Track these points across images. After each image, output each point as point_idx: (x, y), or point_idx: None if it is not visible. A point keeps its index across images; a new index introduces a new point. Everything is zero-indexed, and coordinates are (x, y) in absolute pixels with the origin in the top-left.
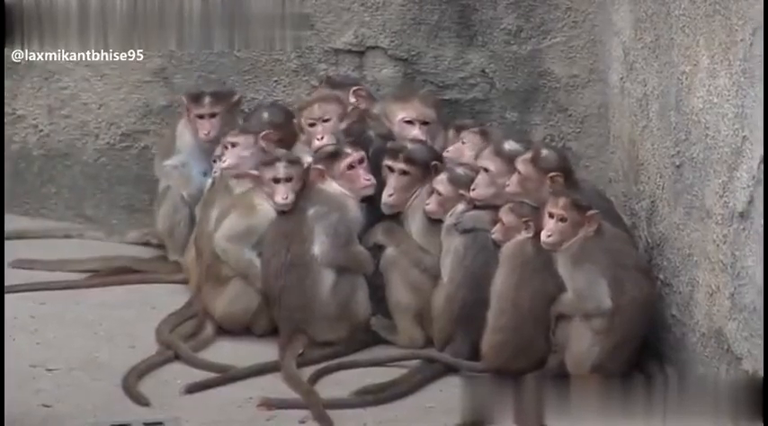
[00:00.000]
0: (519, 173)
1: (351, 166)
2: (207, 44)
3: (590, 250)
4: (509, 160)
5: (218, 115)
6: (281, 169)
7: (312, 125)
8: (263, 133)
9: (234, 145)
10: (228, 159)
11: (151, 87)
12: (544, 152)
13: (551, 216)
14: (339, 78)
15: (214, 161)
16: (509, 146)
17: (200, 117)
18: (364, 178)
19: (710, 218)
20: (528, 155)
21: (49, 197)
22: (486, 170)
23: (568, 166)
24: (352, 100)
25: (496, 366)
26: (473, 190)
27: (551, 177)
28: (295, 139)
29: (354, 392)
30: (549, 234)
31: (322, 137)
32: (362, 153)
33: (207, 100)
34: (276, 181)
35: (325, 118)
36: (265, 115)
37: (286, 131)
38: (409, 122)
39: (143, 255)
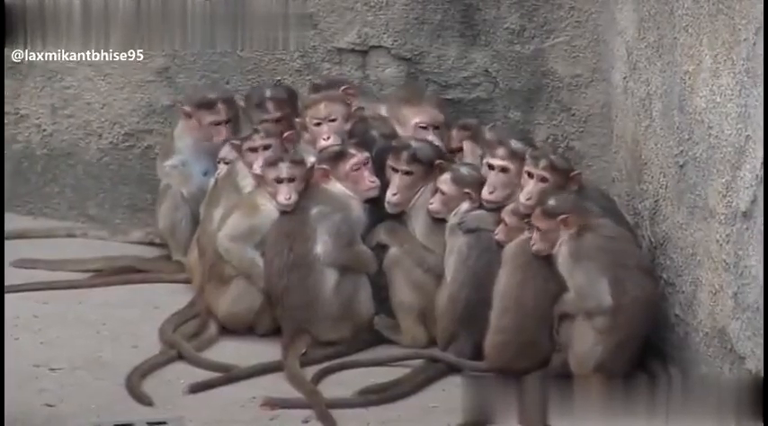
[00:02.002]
0: (545, 180)
1: (356, 167)
2: (210, 44)
3: (588, 248)
4: (522, 160)
5: (232, 119)
6: (284, 169)
7: (318, 124)
8: (286, 134)
9: (266, 147)
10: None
11: (154, 87)
12: (552, 156)
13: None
14: (325, 82)
15: (219, 162)
16: (516, 144)
17: (217, 124)
18: (369, 180)
19: (713, 218)
20: (543, 162)
21: (51, 196)
22: (503, 170)
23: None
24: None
25: (499, 365)
26: (491, 192)
27: (572, 177)
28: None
29: (357, 391)
30: (533, 243)
31: (328, 137)
32: (367, 154)
33: (221, 107)
34: (279, 181)
35: (331, 118)
36: (267, 93)
37: (291, 109)
38: (423, 127)
39: (146, 255)
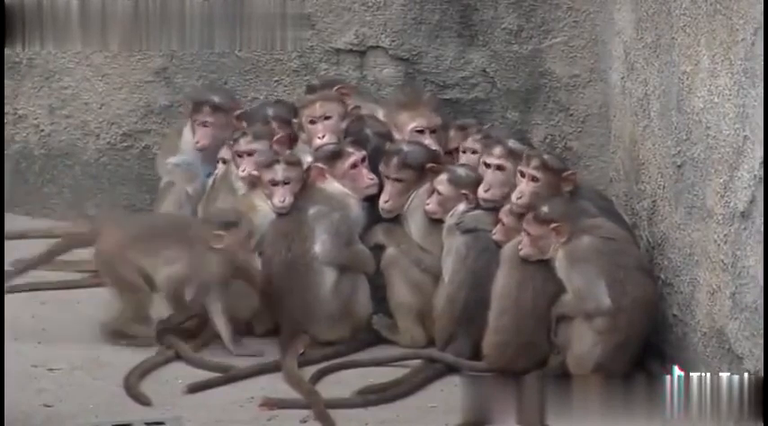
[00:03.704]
0: (535, 179)
1: (354, 166)
2: (208, 44)
3: (585, 250)
4: (518, 158)
5: (212, 125)
6: (279, 172)
7: (313, 123)
8: (277, 137)
9: (250, 153)
10: (247, 167)
11: (152, 87)
12: (546, 155)
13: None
14: (321, 82)
15: (217, 162)
16: (514, 144)
17: (197, 124)
18: (368, 177)
19: (712, 218)
20: (535, 161)
21: (50, 196)
22: (499, 168)
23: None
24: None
25: (498, 366)
26: (486, 190)
27: (565, 177)
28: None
29: (356, 391)
30: (521, 248)
31: (323, 136)
32: (364, 152)
33: (205, 109)
34: (274, 183)
35: (327, 116)
36: (269, 112)
37: (291, 127)
38: (420, 131)
39: None
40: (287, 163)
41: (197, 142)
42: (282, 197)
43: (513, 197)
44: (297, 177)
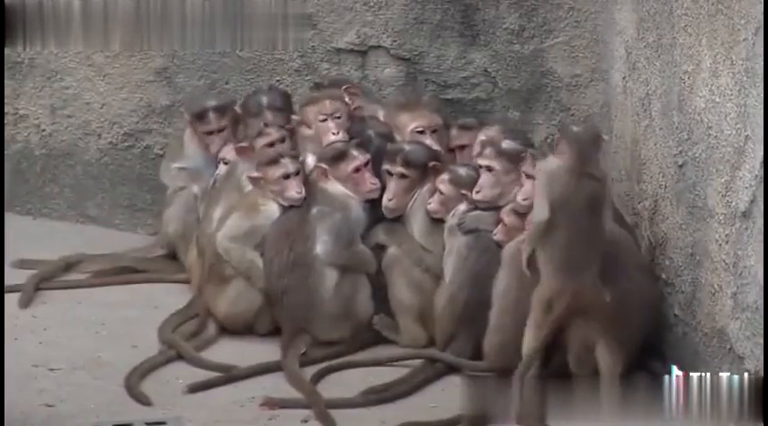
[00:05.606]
0: (530, 177)
1: (357, 170)
2: (209, 44)
3: None
4: (511, 159)
5: (226, 128)
6: (289, 165)
7: (324, 121)
8: (288, 127)
9: (283, 140)
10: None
11: (153, 87)
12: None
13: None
14: (327, 81)
15: (218, 162)
16: (508, 145)
17: (209, 133)
18: (370, 182)
19: (713, 218)
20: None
21: (51, 196)
22: (489, 169)
23: None
24: (346, 98)
25: (499, 365)
26: (477, 192)
27: None
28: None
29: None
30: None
31: (337, 132)
32: (368, 155)
33: (212, 116)
34: (286, 177)
35: (336, 114)
36: (264, 100)
37: (287, 114)
38: (420, 132)
39: (146, 255)
40: (290, 156)
41: (218, 149)
42: (299, 188)
43: (519, 197)
44: (300, 169)
